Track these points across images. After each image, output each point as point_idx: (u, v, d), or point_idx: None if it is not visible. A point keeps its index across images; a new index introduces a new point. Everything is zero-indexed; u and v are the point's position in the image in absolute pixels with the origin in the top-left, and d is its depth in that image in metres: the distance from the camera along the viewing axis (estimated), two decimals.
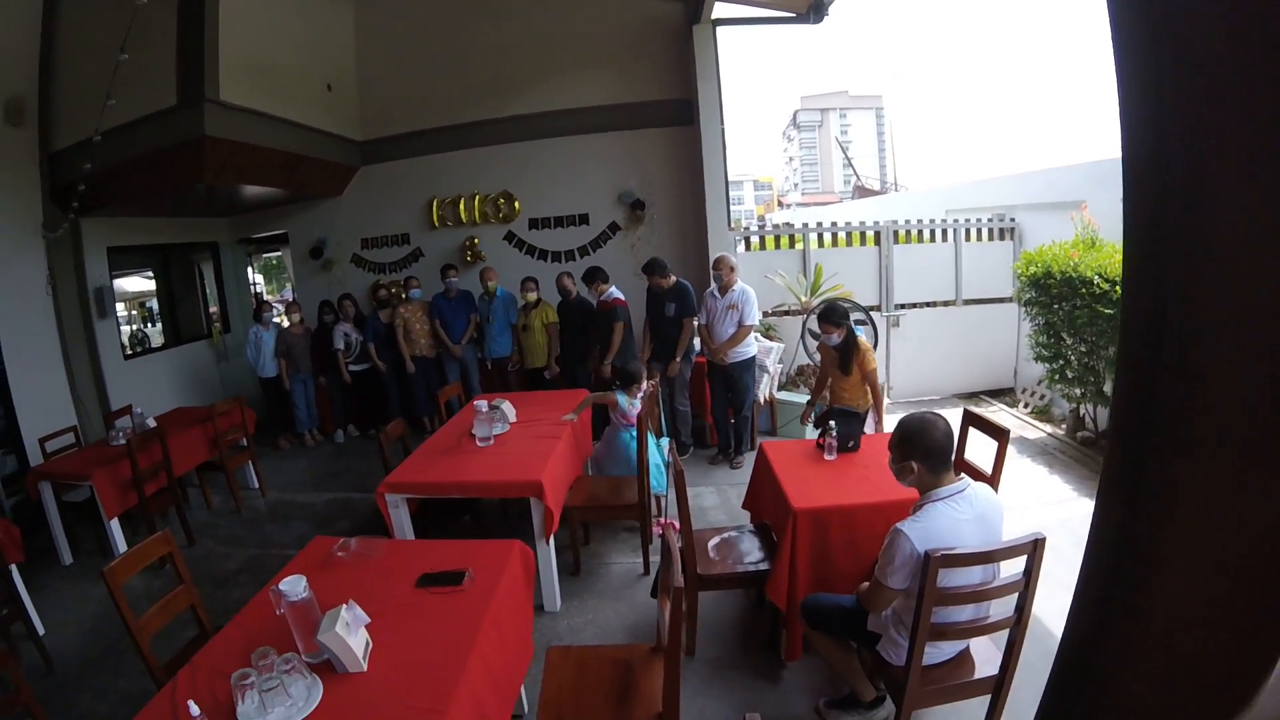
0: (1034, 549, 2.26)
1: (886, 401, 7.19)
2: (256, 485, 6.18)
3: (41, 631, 3.94)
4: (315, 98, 7.48)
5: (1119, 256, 5.04)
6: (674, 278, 5.94)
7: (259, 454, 6.27)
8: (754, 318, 5.58)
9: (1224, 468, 1.07)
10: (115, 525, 4.88)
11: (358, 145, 8.33)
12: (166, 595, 2.84)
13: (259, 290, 11.78)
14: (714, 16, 7.28)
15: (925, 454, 2.38)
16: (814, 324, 6.29)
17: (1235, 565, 1.08)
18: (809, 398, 5.13)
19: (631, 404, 4.55)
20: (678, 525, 3.57)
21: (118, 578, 2.64)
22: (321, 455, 7.25)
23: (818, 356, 6.27)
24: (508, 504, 5.10)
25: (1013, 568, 2.34)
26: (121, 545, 4.89)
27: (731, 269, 5.66)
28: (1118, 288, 4.88)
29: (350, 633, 2.09)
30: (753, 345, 5.74)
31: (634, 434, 4.41)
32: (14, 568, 3.90)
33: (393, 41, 8.17)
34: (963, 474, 2.49)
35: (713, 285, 5.78)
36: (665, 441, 4.81)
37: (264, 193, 7.67)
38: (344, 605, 2.15)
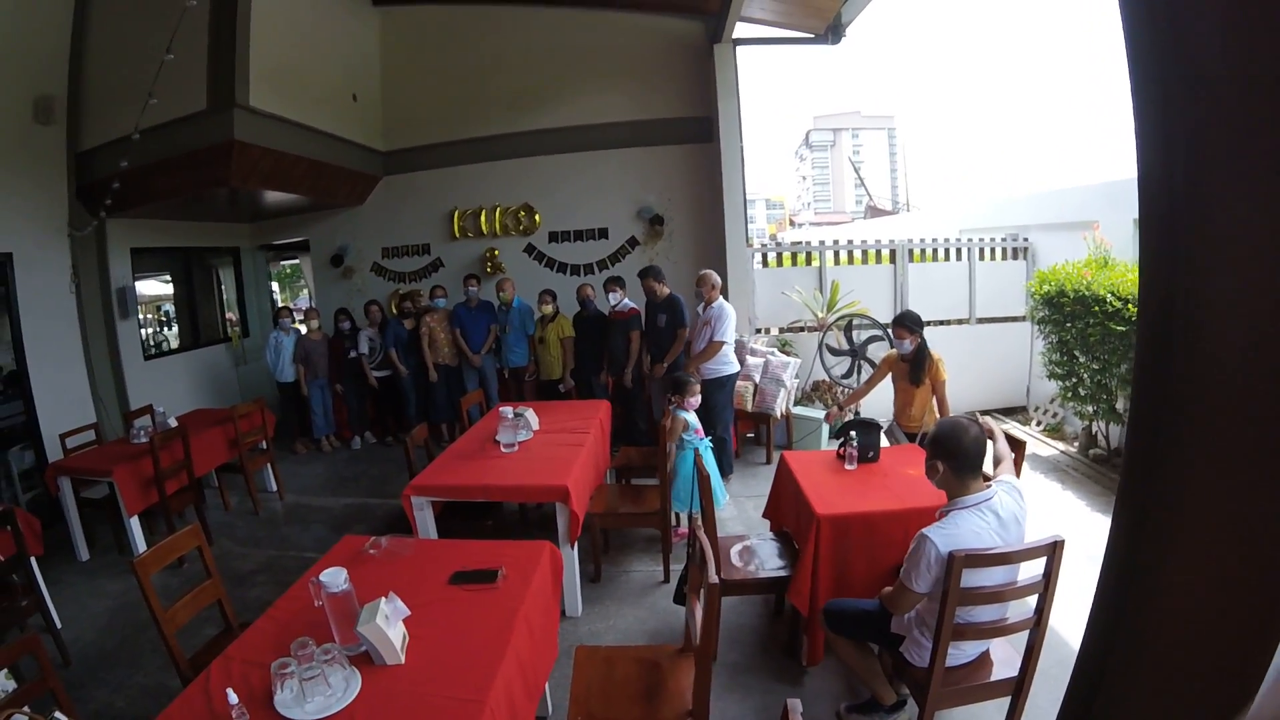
0: (1053, 550, 2.32)
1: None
2: (274, 488, 6.21)
3: (59, 625, 3.96)
4: (341, 107, 7.56)
5: (1131, 275, 5.15)
6: (668, 290, 6.02)
7: (276, 458, 6.30)
8: (724, 334, 5.52)
9: (1227, 474, 1.11)
10: (135, 522, 4.90)
11: (381, 155, 8.41)
12: (194, 589, 2.86)
13: (274, 297, 11.84)
14: (734, 36, 7.35)
15: (950, 456, 2.42)
16: (830, 339, 6.32)
17: (1236, 571, 1.11)
18: (832, 406, 5.04)
19: (690, 415, 4.43)
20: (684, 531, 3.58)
21: (148, 569, 2.66)
22: (338, 460, 7.27)
23: (835, 370, 6.28)
24: (527, 510, 5.14)
25: (1032, 570, 2.40)
26: (140, 542, 4.92)
27: (713, 286, 5.68)
28: (1130, 306, 4.95)
29: (390, 625, 2.10)
30: (731, 364, 5.66)
31: (708, 444, 4.39)
32: (33, 560, 3.91)
33: (417, 54, 8.29)
34: (990, 482, 2.52)
35: (699, 302, 5.79)
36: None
37: (287, 199, 7.74)
38: (383, 598, 2.16)
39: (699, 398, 4.52)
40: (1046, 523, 4.57)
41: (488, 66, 8.11)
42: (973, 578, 2.28)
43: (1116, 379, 5.28)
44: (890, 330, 4.66)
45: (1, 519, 3.61)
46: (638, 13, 7.75)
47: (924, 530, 2.36)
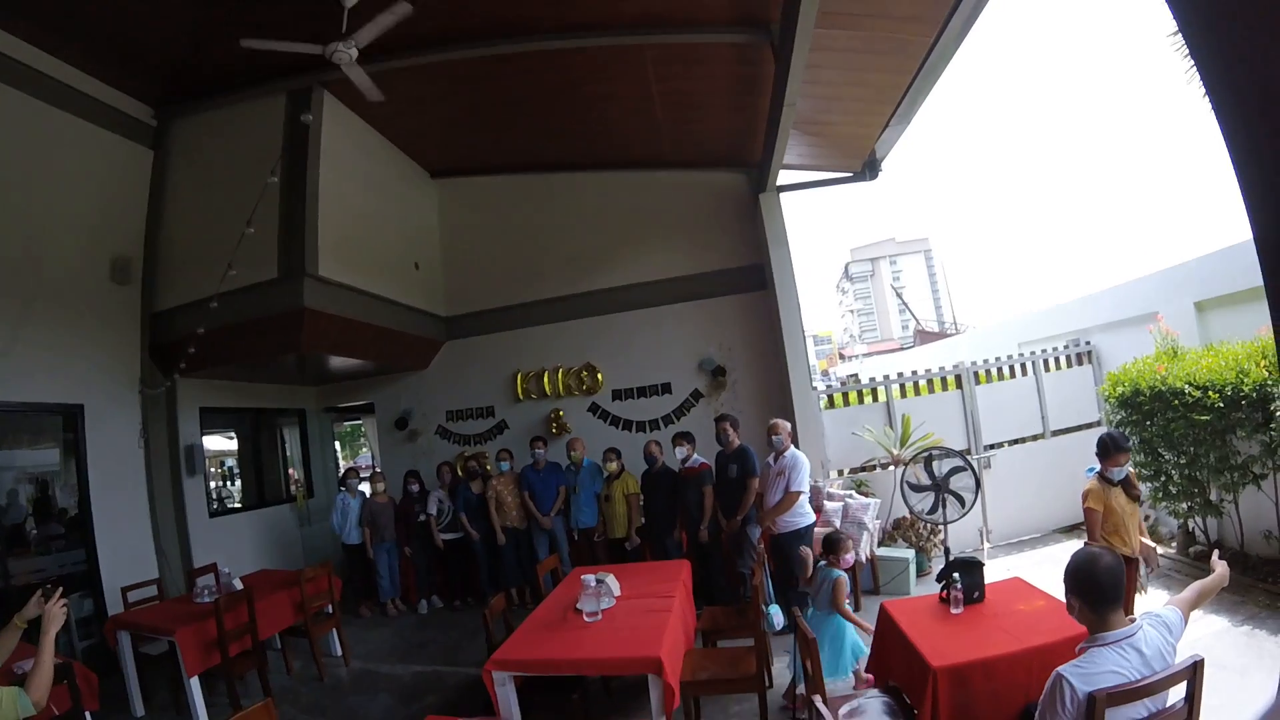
0: (1194, 673, 2.18)
1: (987, 546, 6.87)
2: (340, 653, 5.99)
3: None
4: (404, 275, 7.94)
5: (1206, 362, 5.11)
6: (737, 441, 5.94)
7: (341, 621, 6.09)
8: (800, 484, 5.38)
9: None
10: (195, 683, 4.75)
11: (443, 320, 8.72)
12: None
13: (337, 457, 11.98)
14: (778, 183, 7.61)
15: (1082, 591, 2.29)
16: (911, 475, 6.04)
17: None
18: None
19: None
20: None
21: None
22: (405, 625, 7.03)
23: (918, 507, 5.97)
24: (608, 680, 4.78)
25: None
26: (199, 702, 4.77)
27: (789, 433, 5.62)
28: (1210, 393, 4.86)
29: None
30: (808, 515, 5.50)
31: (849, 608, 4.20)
32: (87, 715, 3.85)
33: (474, 223, 8.79)
34: (1135, 616, 2.37)
35: (771, 452, 5.68)
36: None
37: (352, 363, 7.96)
38: None
39: (854, 554, 4.28)
40: None
41: (542, 231, 8.51)
42: (1115, 716, 2.11)
43: (1207, 469, 5.09)
44: (1103, 459, 4.22)
45: (60, 673, 3.50)
46: (682, 170, 8.16)
47: (1060, 669, 2.19)
